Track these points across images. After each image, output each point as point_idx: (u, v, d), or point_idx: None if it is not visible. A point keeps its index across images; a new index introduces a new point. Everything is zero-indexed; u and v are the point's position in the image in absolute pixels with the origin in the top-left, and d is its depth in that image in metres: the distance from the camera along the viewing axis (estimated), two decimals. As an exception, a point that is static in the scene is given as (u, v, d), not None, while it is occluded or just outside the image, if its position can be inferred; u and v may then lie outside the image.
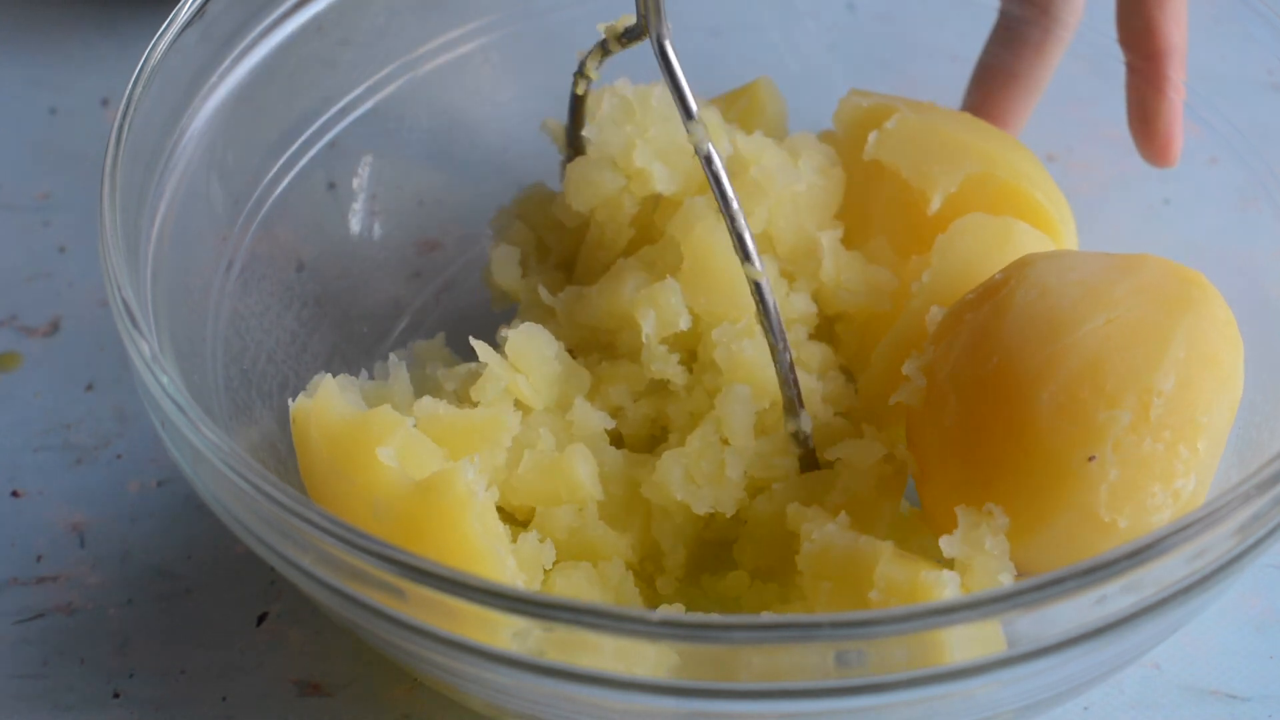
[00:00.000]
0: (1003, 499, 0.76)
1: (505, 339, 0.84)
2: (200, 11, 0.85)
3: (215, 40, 0.87)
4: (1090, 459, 0.74)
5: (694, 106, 0.80)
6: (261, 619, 0.86)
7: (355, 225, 0.95)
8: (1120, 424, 0.74)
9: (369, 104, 0.95)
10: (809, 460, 0.83)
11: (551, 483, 0.82)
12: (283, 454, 0.84)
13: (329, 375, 0.80)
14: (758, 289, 0.80)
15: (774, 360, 0.81)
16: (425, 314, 0.95)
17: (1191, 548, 0.66)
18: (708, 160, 0.79)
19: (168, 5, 0.85)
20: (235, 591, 0.87)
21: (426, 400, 0.81)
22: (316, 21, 0.91)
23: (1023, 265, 0.80)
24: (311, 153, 0.92)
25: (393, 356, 0.87)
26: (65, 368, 0.96)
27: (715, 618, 0.66)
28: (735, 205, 0.79)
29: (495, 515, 0.77)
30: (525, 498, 0.82)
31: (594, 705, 0.70)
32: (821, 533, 0.78)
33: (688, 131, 0.79)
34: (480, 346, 0.84)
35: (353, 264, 0.94)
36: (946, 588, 0.74)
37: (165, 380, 0.72)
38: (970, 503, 0.77)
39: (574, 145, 0.90)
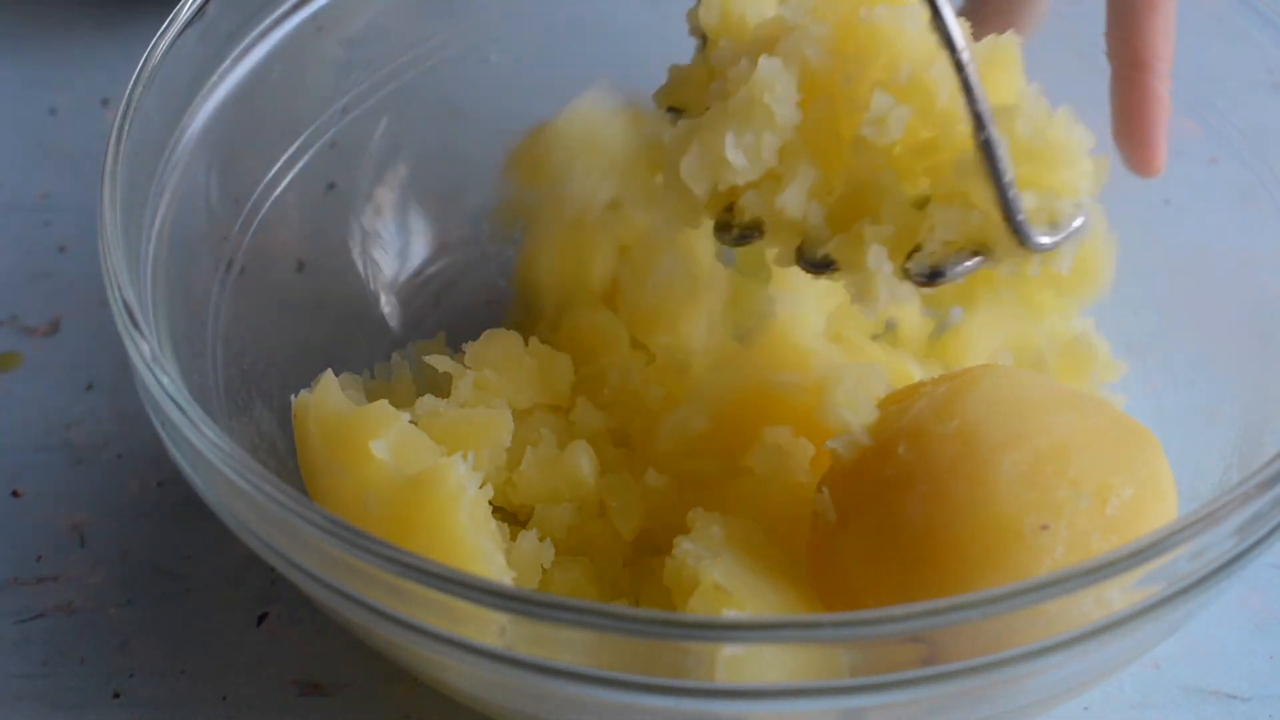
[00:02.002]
0: (942, 553, 0.74)
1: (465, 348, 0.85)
2: (200, 11, 0.85)
3: (215, 40, 0.87)
4: (1044, 528, 0.73)
5: None
6: (261, 619, 0.86)
7: (355, 225, 0.95)
8: (1079, 504, 0.73)
9: (369, 104, 0.95)
10: (1005, 194, 0.74)
11: (552, 480, 0.82)
12: (282, 453, 0.84)
13: (330, 371, 0.80)
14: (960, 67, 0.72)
15: (954, 70, 0.73)
16: (425, 314, 0.95)
17: (1191, 547, 0.66)
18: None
19: (168, 5, 0.85)
20: (235, 591, 0.87)
21: (427, 399, 0.82)
22: (316, 21, 0.91)
23: (986, 366, 0.80)
24: (311, 153, 0.92)
25: (395, 355, 0.88)
26: (65, 368, 0.96)
27: (698, 617, 0.67)
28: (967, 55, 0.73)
29: (487, 511, 0.77)
30: (525, 496, 0.82)
31: (575, 701, 0.70)
32: (680, 550, 0.77)
33: None
34: (436, 359, 0.84)
35: (353, 264, 0.94)
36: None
37: (166, 381, 0.72)
38: (902, 553, 0.75)
39: None
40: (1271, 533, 0.69)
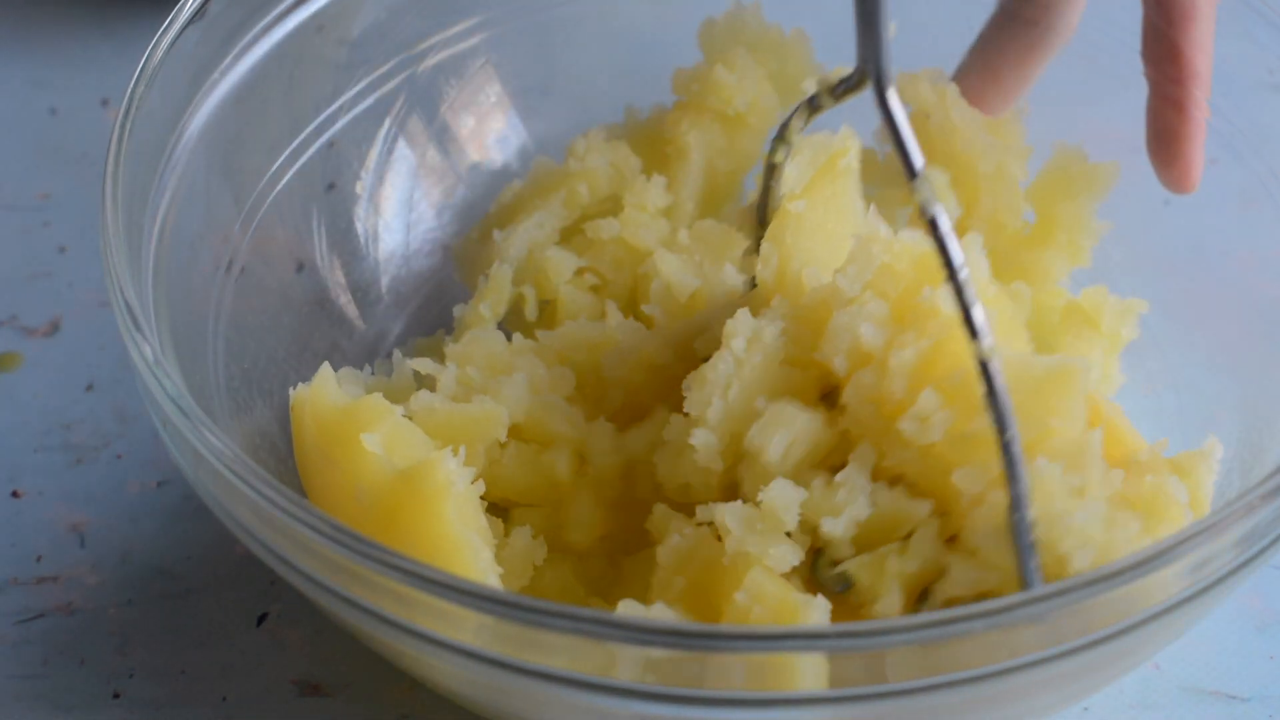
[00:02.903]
0: None
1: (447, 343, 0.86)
2: (200, 11, 0.85)
3: (215, 40, 0.87)
4: None
5: (920, 163, 0.71)
6: (261, 619, 0.86)
7: (355, 225, 0.95)
8: None
9: (369, 103, 0.95)
10: (1026, 572, 0.73)
11: (532, 479, 0.82)
12: (283, 453, 0.84)
13: (328, 364, 0.80)
14: (985, 370, 0.70)
15: (1000, 449, 0.71)
16: (425, 312, 0.95)
17: (1193, 559, 0.66)
18: (933, 223, 0.70)
19: (167, 5, 0.85)
20: (235, 591, 0.87)
21: (423, 394, 0.82)
22: (316, 21, 0.91)
23: None
24: (311, 152, 0.92)
25: (396, 352, 0.88)
26: (65, 368, 0.96)
27: (698, 626, 0.67)
28: (965, 274, 0.70)
29: (477, 507, 0.77)
30: (508, 492, 0.83)
31: (572, 706, 0.71)
32: (685, 534, 0.77)
33: (912, 190, 0.71)
34: (419, 363, 0.85)
35: (353, 264, 0.94)
36: (815, 612, 0.73)
37: (166, 382, 0.72)
38: None
39: (763, 222, 0.84)
40: (1272, 544, 0.69)
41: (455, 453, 0.76)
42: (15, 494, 0.91)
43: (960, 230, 0.85)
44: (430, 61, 0.96)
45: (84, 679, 0.84)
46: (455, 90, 0.98)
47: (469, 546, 0.75)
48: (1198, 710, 0.82)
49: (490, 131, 0.99)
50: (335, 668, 0.84)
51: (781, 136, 0.81)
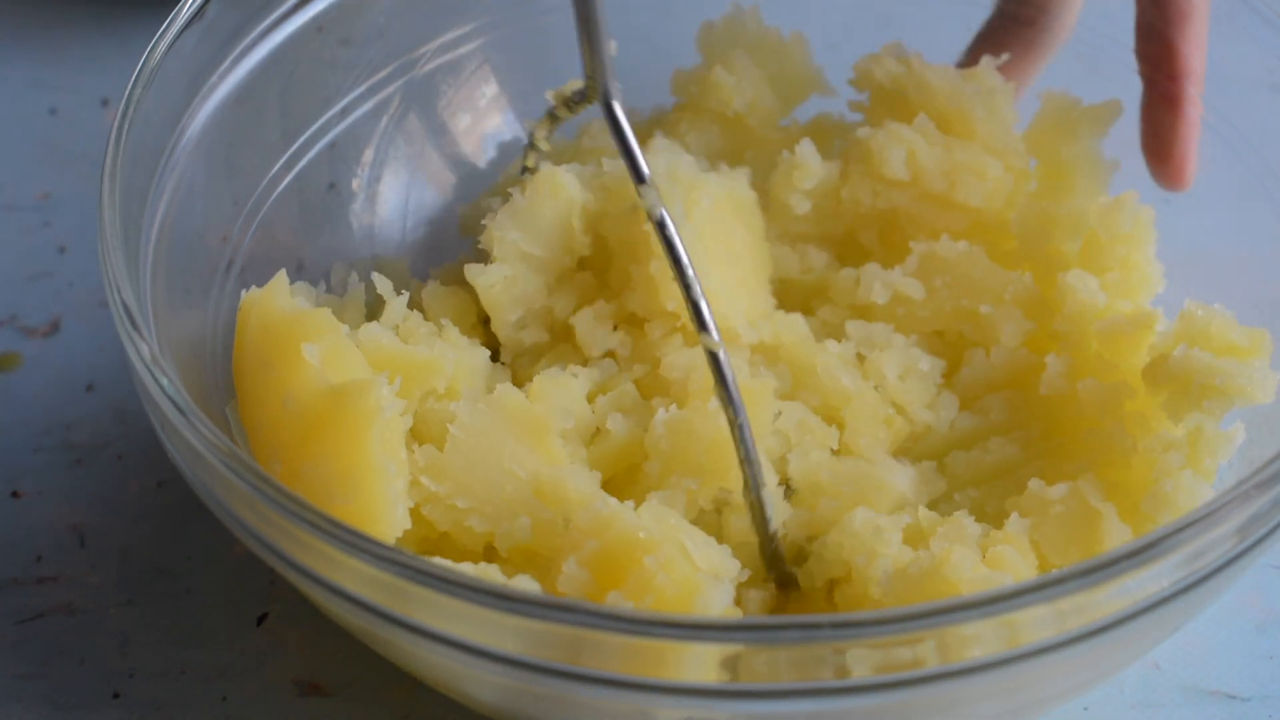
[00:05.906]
0: None
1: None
2: (200, 12, 0.85)
3: (215, 41, 0.87)
4: None
5: (646, 170, 0.77)
6: (261, 619, 0.86)
7: (355, 225, 0.95)
8: None
9: (369, 104, 0.95)
10: (769, 545, 0.80)
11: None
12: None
13: (284, 271, 0.81)
14: (715, 360, 0.77)
15: (732, 435, 0.77)
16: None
17: (1192, 548, 0.67)
18: (660, 224, 0.77)
19: (167, 5, 0.85)
20: (235, 591, 0.87)
21: (374, 326, 0.82)
22: (316, 21, 0.91)
23: None
24: (311, 153, 0.92)
25: (353, 274, 0.88)
26: (65, 368, 0.96)
27: (703, 618, 0.67)
28: (691, 272, 0.77)
29: (400, 438, 0.78)
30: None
31: (570, 702, 0.71)
32: (602, 506, 0.77)
33: (639, 195, 0.77)
34: (383, 285, 0.86)
35: (353, 264, 0.94)
36: (718, 596, 0.73)
37: (165, 382, 0.72)
38: None
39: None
40: (1271, 533, 0.69)
41: (390, 382, 0.77)
42: (15, 494, 0.91)
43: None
44: (429, 64, 0.96)
45: (84, 679, 0.84)
46: (453, 92, 0.98)
47: (383, 473, 0.75)
48: (1198, 710, 0.82)
49: (489, 133, 0.99)
50: (335, 668, 0.84)
51: (531, 145, 0.88)
